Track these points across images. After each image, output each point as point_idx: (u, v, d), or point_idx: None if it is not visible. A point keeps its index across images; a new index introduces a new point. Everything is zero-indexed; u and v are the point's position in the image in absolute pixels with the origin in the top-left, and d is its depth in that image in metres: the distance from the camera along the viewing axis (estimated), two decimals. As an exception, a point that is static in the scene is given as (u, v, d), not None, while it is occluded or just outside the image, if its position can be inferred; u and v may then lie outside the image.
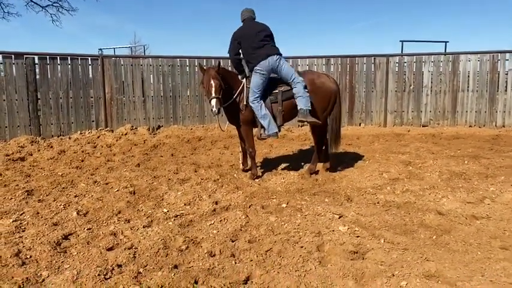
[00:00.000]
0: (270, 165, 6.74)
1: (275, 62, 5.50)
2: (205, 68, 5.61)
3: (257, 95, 5.53)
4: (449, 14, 59.87)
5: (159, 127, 10.45)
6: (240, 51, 5.69)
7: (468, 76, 10.58)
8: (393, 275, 2.99)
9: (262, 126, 5.68)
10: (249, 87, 5.61)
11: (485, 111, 10.51)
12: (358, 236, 3.71)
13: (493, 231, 3.84)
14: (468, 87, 10.58)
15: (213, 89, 5.36)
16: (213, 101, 5.35)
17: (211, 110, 5.41)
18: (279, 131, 5.72)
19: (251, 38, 5.51)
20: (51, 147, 8.38)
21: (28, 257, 3.38)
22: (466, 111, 10.62)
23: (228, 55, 5.87)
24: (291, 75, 5.58)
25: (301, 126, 10.88)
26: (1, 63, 8.84)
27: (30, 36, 54.74)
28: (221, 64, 5.62)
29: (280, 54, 5.62)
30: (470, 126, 10.50)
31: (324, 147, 6.26)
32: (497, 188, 5.09)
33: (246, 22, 5.76)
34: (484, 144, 8.32)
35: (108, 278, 3.03)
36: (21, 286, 2.94)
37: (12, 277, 3.04)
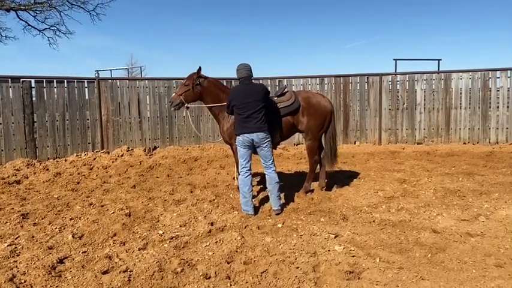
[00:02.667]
0: (265, 184, 6.71)
1: (260, 140, 5.15)
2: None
3: (243, 165, 5.24)
4: (442, 32, 60.90)
5: (155, 148, 10.48)
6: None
7: (460, 94, 10.72)
8: (388, 295, 2.99)
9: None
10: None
11: (479, 128, 10.62)
12: (353, 256, 3.72)
13: (487, 249, 3.86)
14: (461, 104, 10.70)
15: (179, 87, 5.98)
16: (173, 95, 6.02)
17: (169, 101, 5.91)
18: (255, 213, 5.26)
19: (243, 104, 5.10)
20: (47, 169, 8.37)
21: (22, 281, 3.36)
22: (460, 129, 10.72)
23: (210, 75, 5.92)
24: (269, 157, 5.29)
25: (296, 145, 10.95)
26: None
27: (27, 59, 55.09)
28: (200, 71, 5.81)
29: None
30: (464, 143, 10.58)
31: (319, 166, 6.30)
32: (491, 205, 5.13)
33: (243, 82, 5.28)
34: (478, 161, 8.38)
35: (103, 302, 3.01)
36: (15, 312, 2.91)
37: (6, 303, 3.02)
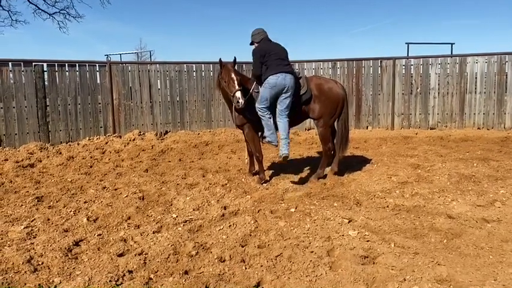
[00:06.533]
0: (277, 169, 6.74)
1: (291, 86, 5.46)
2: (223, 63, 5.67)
3: (264, 106, 5.48)
4: (455, 16, 59.61)
5: (166, 132, 10.50)
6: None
7: (475, 78, 10.51)
8: (404, 280, 2.97)
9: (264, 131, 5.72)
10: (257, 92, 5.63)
11: (494, 113, 10.43)
12: (368, 241, 3.70)
13: (504, 235, 3.81)
14: (476, 89, 10.51)
15: (236, 82, 5.44)
16: (238, 93, 5.36)
17: (237, 102, 5.37)
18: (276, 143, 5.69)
19: (278, 53, 5.54)
20: (60, 153, 8.45)
21: (40, 263, 3.41)
22: (474, 114, 10.54)
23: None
24: (287, 108, 5.53)
25: (308, 130, 10.88)
26: (11, 71, 8.93)
27: (37, 43, 55.33)
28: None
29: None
30: (478, 129, 10.42)
31: (332, 152, 6.25)
32: (507, 191, 5.05)
33: (265, 41, 5.69)
34: (493, 147, 8.26)
35: (120, 284, 3.05)
36: (34, 292, 2.96)
37: (25, 284, 3.06)
